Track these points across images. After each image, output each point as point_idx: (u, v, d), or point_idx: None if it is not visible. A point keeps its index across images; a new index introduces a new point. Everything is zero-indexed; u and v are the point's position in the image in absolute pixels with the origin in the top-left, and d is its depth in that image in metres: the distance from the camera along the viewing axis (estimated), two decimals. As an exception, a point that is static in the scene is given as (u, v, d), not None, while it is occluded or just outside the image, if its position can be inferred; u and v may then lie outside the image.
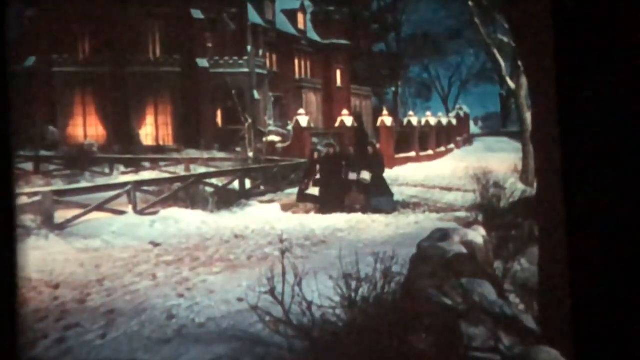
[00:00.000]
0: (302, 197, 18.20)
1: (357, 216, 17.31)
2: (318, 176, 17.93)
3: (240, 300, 7.82)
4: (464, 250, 4.96)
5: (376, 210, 17.10)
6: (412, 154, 36.76)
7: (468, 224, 11.05)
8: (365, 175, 17.67)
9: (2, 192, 2.50)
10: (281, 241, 4.80)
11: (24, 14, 37.56)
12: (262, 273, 9.33)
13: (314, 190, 18.00)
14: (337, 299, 4.82)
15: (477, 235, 5.69)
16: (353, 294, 4.60)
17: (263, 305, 5.69)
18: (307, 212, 18.75)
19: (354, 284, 4.63)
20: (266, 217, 16.37)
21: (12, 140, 2.53)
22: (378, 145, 38.99)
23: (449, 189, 23.11)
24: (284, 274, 4.74)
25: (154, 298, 8.01)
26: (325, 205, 17.27)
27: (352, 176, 17.62)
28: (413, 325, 3.88)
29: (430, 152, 38.98)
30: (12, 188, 2.53)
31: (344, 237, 13.68)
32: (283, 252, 4.93)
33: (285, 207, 18.05)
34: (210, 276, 9.43)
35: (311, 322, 4.58)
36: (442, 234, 5.39)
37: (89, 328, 6.65)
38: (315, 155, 18.85)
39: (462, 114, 51.51)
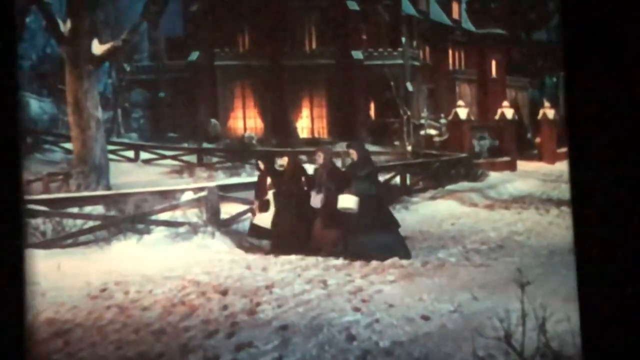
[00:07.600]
0: (251, 229, 11.87)
1: (531, 216, 15.98)
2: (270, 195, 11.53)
3: (425, 318, 6.92)
4: None
5: (362, 254, 10.22)
6: (576, 147, 34.40)
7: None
8: (348, 203, 10.41)
9: (11, 198, 2.29)
10: (519, 270, 3.70)
11: (189, 8, 38.71)
12: (440, 282, 8.45)
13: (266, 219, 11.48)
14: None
15: None
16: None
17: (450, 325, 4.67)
18: (486, 206, 17.70)
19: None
20: (437, 215, 15.59)
21: (20, 143, 2.39)
22: (538, 140, 36.87)
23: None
24: (523, 316, 3.71)
25: (328, 311, 7.24)
26: (277, 243, 11.23)
27: (316, 201, 10.85)
28: None
29: (596, 145, 36.27)
30: (20, 193, 2.39)
31: (522, 241, 12.43)
32: (523, 286, 3.78)
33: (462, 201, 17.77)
34: (385, 286, 8.55)
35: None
36: None
37: (262, 348, 5.95)
38: (261, 165, 12.02)
39: (630, 103, 47.82)
